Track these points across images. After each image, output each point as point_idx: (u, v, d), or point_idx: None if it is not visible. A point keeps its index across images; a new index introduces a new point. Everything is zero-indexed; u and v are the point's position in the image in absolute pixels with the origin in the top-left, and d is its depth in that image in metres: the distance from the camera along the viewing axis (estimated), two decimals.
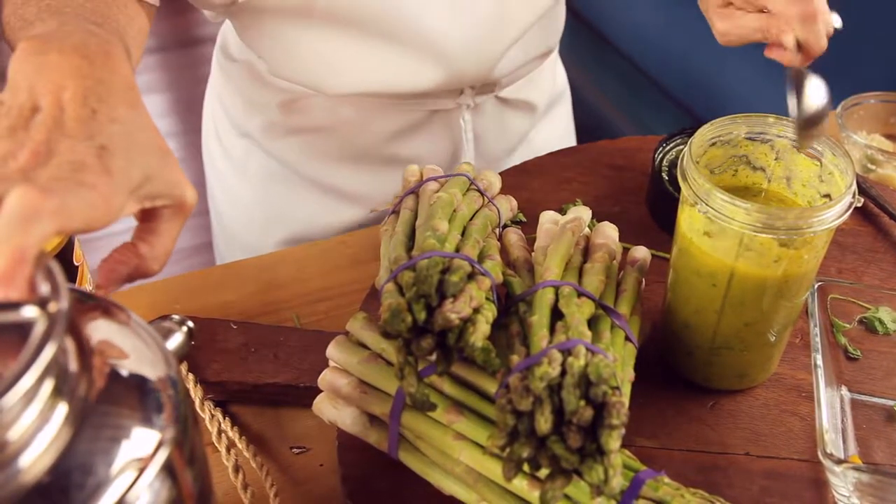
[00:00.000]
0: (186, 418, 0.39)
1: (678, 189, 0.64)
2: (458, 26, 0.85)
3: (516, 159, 1.04)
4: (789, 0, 0.66)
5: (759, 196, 0.68)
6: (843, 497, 0.60)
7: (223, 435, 0.66)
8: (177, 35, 3.08)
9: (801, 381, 0.70)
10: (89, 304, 0.42)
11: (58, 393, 0.35)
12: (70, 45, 0.48)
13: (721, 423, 0.67)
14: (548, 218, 0.71)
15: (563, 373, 0.51)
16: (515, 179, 0.89)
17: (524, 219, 0.84)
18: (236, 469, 0.63)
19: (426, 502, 0.60)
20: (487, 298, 0.57)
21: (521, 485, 0.54)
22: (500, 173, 0.87)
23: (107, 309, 0.43)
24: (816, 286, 0.70)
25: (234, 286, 0.82)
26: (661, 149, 0.88)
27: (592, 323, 0.58)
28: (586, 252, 0.65)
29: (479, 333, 0.53)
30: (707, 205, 0.60)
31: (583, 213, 0.70)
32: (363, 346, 0.63)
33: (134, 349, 0.41)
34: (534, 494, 0.54)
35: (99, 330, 0.40)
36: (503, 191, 0.77)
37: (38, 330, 0.34)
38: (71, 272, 0.69)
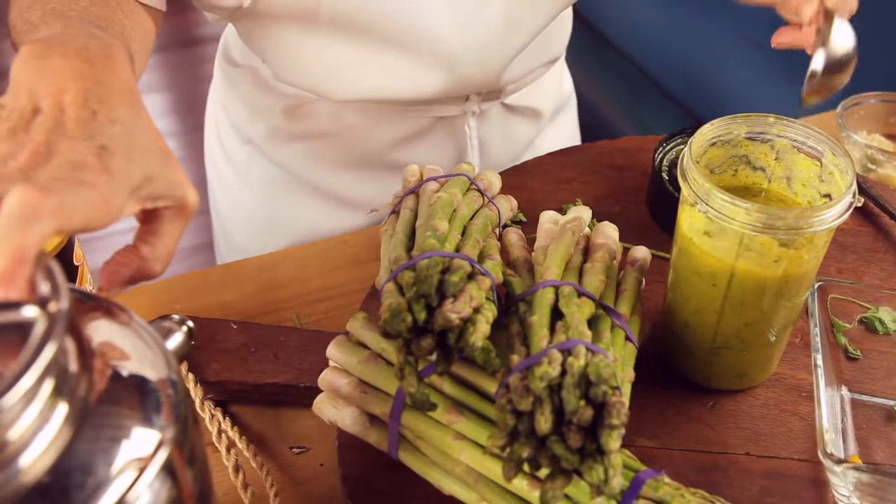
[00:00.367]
0: (186, 418, 0.39)
1: (678, 189, 0.64)
2: (466, 32, 0.84)
3: None
4: None
5: (759, 196, 0.68)
6: (843, 497, 0.60)
7: (223, 435, 0.66)
8: (177, 35, 3.08)
9: (801, 381, 0.70)
10: (89, 304, 0.42)
11: (58, 393, 0.35)
12: (72, 48, 0.48)
13: (721, 423, 0.67)
14: (548, 218, 0.71)
15: (564, 373, 0.51)
16: (515, 179, 0.89)
17: (524, 219, 0.84)
18: (236, 469, 0.63)
19: (426, 502, 0.60)
20: (487, 298, 0.57)
21: (521, 485, 0.54)
22: (500, 173, 0.87)
23: (107, 309, 0.43)
24: (816, 286, 0.70)
25: (234, 286, 0.82)
26: (661, 149, 0.88)
27: (592, 323, 0.58)
28: (586, 252, 0.65)
29: (479, 333, 0.53)
30: (707, 205, 0.60)
31: (583, 212, 0.70)
32: (363, 345, 0.63)
33: (134, 349, 0.41)
34: (534, 494, 0.54)
35: (99, 330, 0.40)
36: (503, 191, 0.77)
37: (38, 330, 0.34)
38: (71, 272, 0.69)
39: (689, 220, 0.63)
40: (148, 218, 0.48)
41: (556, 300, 0.58)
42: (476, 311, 0.55)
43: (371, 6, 0.80)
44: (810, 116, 1.08)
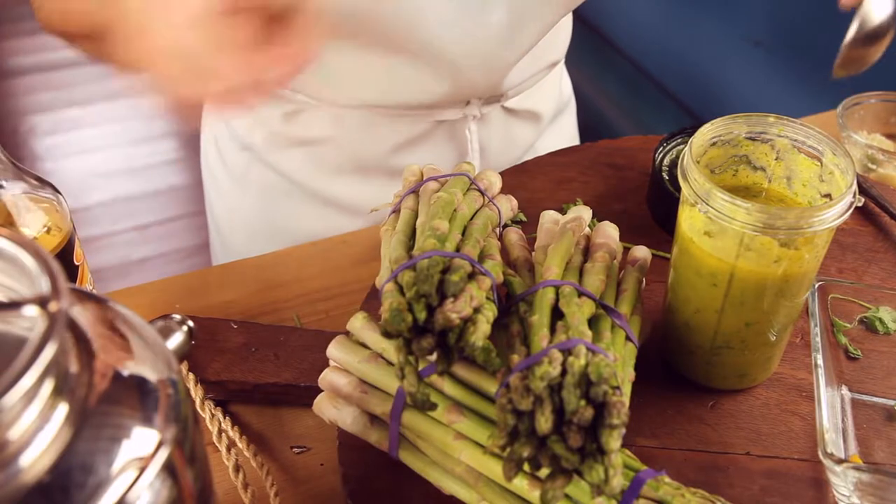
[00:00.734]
0: (187, 418, 0.39)
1: (679, 189, 0.64)
2: (469, 39, 0.84)
3: None
4: None
5: (759, 196, 0.68)
6: (843, 497, 0.60)
7: (223, 434, 0.66)
8: None
9: (801, 381, 0.70)
10: (89, 304, 0.42)
11: (58, 393, 0.35)
12: None
13: (721, 423, 0.67)
14: (548, 217, 0.71)
15: (564, 372, 0.51)
16: (516, 179, 0.89)
17: (525, 218, 0.84)
18: (237, 468, 0.63)
19: (427, 502, 0.60)
20: (488, 298, 0.57)
21: (521, 484, 0.54)
22: (501, 173, 0.87)
23: (107, 308, 0.43)
24: (817, 286, 0.70)
25: (234, 286, 0.82)
26: (661, 148, 0.88)
27: (593, 322, 0.58)
28: (587, 252, 0.65)
29: (480, 333, 0.53)
30: (707, 204, 0.60)
31: (583, 212, 0.70)
32: (364, 345, 0.63)
33: (134, 349, 0.40)
34: (534, 494, 0.54)
35: (99, 330, 0.40)
36: (503, 190, 0.77)
37: (39, 329, 0.34)
38: (71, 272, 0.69)
39: (689, 220, 0.63)
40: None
41: (557, 300, 0.58)
42: (476, 310, 0.55)
43: (374, 13, 0.80)
44: (810, 116, 1.08)
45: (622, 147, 0.94)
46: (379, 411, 0.60)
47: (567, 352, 0.52)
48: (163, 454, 0.37)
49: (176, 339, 0.64)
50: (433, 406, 0.56)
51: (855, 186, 0.60)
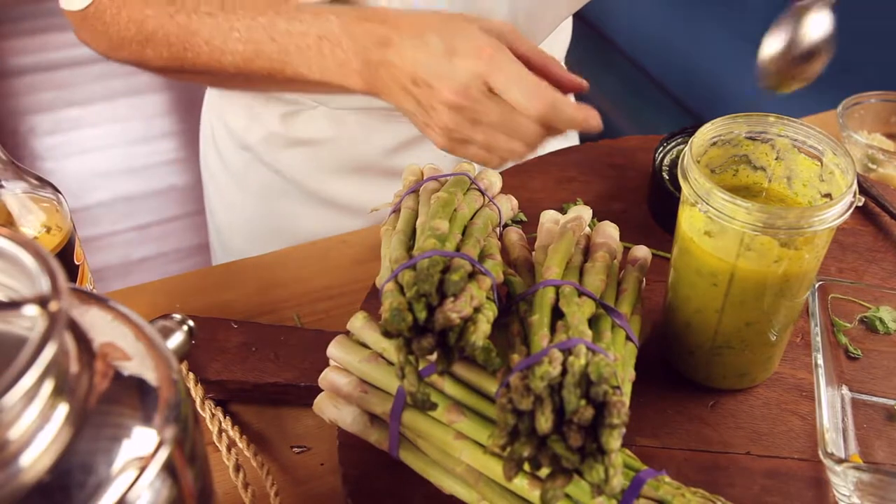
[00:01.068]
0: (187, 418, 0.39)
1: (679, 188, 0.63)
2: None
3: None
4: None
5: (759, 196, 0.68)
6: (843, 496, 0.60)
7: (224, 434, 0.66)
8: None
9: (801, 381, 0.70)
10: (90, 304, 0.42)
11: (58, 392, 0.35)
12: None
13: (722, 423, 0.67)
14: (548, 217, 0.71)
15: (564, 372, 0.51)
16: (516, 179, 0.89)
17: (525, 218, 0.84)
18: (237, 468, 0.63)
19: (427, 502, 0.60)
20: (488, 298, 0.57)
21: (521, 484, 0.54)
22: (501, 172, 0.87)
23: (107, 308, 0.42)
24: (817, 285, 0.70)
25: (234, 285, 0.82)
26: (661, 148, 0.88)
27: (593, 322, 0.58)
28: (587, 251, 0.65)
29: (480, 333, 0.53)
30: (708, 204, 0.60)
31: (583, 212, 0.70)
32: (364, 345, 0.63)
33: (134, 349, 0.40)
34: (534, 494, 0.54)
35: (99, 329, 0.40)
36: (504, 190, 0.77)
37: (39, 329, 0.34)
38: (72, 271, 0.69)
39: (689, 220, 0.63)
40: None
41: (557, 300, 0.58)
42: (476, 310, 0.55)
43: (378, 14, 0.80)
44: (811, 116, 1.08)
45: (622, 147, 0.94)
46: (379, 411, 0.60)
47: (567, 351, 0.52)
48: (163, 454, 0.37)
49: (176, 339, 0.64)
50: (433, 406, 0.56)
51: (855, 186, 0.60)
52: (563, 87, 0.66)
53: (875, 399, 0.68)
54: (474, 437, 0.57)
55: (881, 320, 0.72)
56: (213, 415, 0.68)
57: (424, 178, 0.72)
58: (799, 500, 0.61)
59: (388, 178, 0.96)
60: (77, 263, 0.70)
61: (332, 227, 0.97)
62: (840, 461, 0.58)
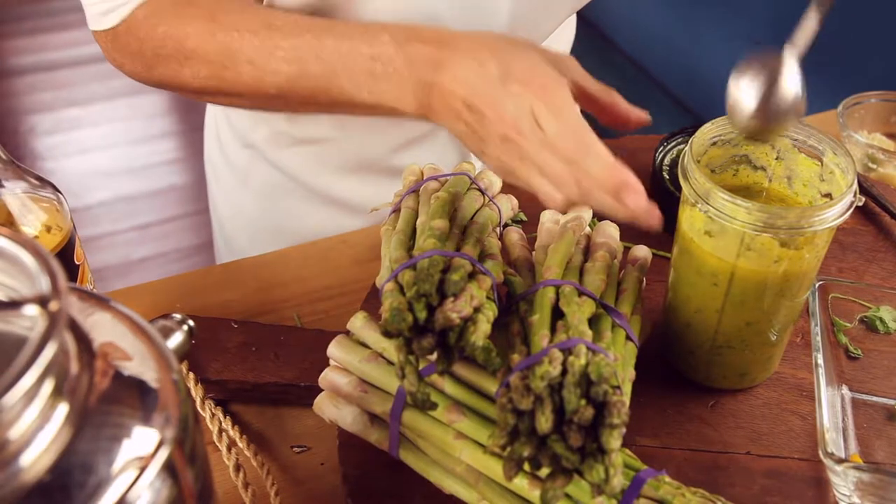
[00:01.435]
0: (187, 417, 0.39)
1: (679, 188, 0.63)
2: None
3: None
4: None
5: (759, 195, 0.68)
6: (844, 496, 0.60)
7: (224, 434, 0.66)
8: None
9: (801, 381, 0.70)
10: (90, 303, 0.42)
11: (58, 392, 0.35)
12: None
13: (722, 423, 0.67)
14: (549, 217, 0.71)
15: (564, 372, 0.51)
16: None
17: (525, 218, 0.84)
18: (237, 468, 0.63)
19: (427, 501, 0.60)
20: (488, 297, 0.57)
21: (521, 484, 0.54)
22: None
23: (107, 308, 0.43)
24: (817, 285, 0.70)
25: (234, 285, 0.82)
26: (661, 148, 0.88)
27: (593, 322, 0.58)
28: (587, 251, 0.65)
29: (480, 332, 0.53)
30: (708, 204, 0.60)
31: (584, 212, 0.70)
32: (364, 345, 0.63)
33: (135, 348, 0.40)
34: (534, 493, 0.54)
35: (100, 329, 0.40)
36: (504, 190, 0.77)
37: (39, 329, 0.34)
38: (72, 271, 0.69)
39: (689, 220, 0.63)
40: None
41: (557, 299, 0.58)
42: (477, 310, 0.55)
43: (378, 14, 0.80)
44: (811, 116, 1.08)
45: (622, 146, 0.94)
46: (379, 411, 0.60)
47: (567, 351, 0.52)
48: (163, 454, 0.37)
49: (176, 339, 0.64)
50: (433, 405, 0.56)
51: (855, 186, 0.60)
52: (624, 121, 0.64)
53: (875, 399, 0.68)
54: (474, 437, 0.57)
55: (881, 320, 0.72)
56: (214, 414, 0.68)
57: (424, 177, 0.72)
58: (799, 500, 0.61)
59: (392, 177, 0.96)
60: (77, 263, 0.70)
61: (334, 226, 0.97)
62: (840, 461, 0.58)
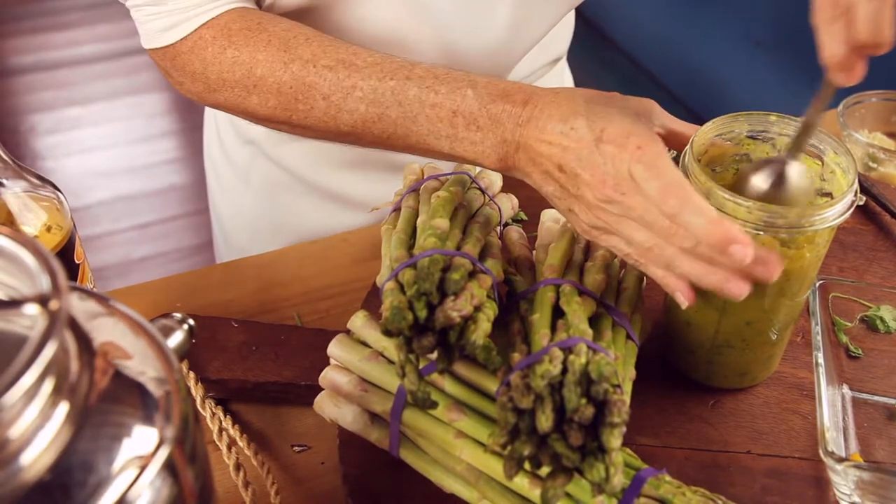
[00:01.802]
0: (187, 417, 0.39)
1: None
2: (474, 35, 0.83)
3: None
4: None
5: None
6: (844, 495, 0.60)
7: (224, 433, 0.66)
8: None
9: (802, 380, 0.70)
10: (90, 303, 0.42)
11: (59, 391, 0.35)
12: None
13: (722, 422, 0.67)
14: (549, 216, 0.71)
15: (565, 371, 0.51)
16: (516, 178, 0.89)
17: (525, 217, 0.84)
18: (237, 467, 0.63)
19: (427, 500, 0.60)
20: (488, 296, 0.57)
21: (522, 483, 0.54)
22: None
23: (107, 307, 0.43)
24: (818, 284, 0.70)
25: (235, 284, 0.82)
26: None
27: (594, 321, 0.58)
28: (587, 250, 0.65)
29: (480, 331, 0.53)
30: (709, 202, 0.59)
31: None
32: (364, 344, 0.63)
33: (135, 347, 0.40)
34: (535, 492, 0.54)
35: (100, 328, 0.40)
36: (504, 189, 0.77)
37: (39, 328, 0.34)
38: (72, 270, 0.69)
39: None
40: None
41: (557, 298, 0.58)
42: (477, 309, 0.55)
43: (380, 11, 0.80)
44: None
45: None
46: (379, 410, 0.60)
47: (568, 350, 0.52)
48: (163, 453, 0.37)
49: (176, 338, 0.64)
50: (434, 404, 0.56)
51: (856, 185, 0.60)
52: None
53: (876, 398, 0.68)
54: (475, 436, 0.57)
55: (882, 319, 0.72)
56: (214, 414, 0.68)
57: (425, 176, 0.72)
58: (799, 499, 0.61)
59: (392, 172, 0.96)
60: (77, 262, 0.70)
61: (335, 223, 0.97)
62: (841, 460, 0.58)
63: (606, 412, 0.49)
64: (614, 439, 0.49)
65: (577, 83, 1.16)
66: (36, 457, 0.33)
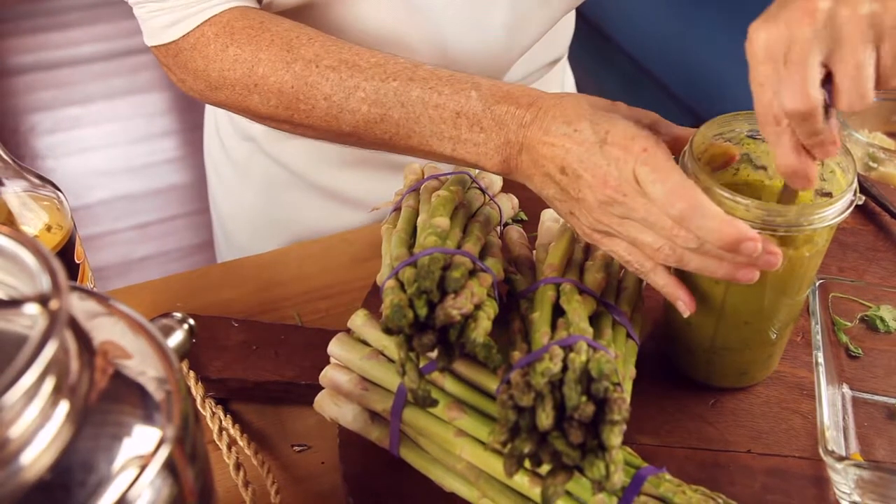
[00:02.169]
0: (188, 416, 0.39)
1: None
2: (472, 35, 0.83)
3: None
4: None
5: (760, 194, 0.68)
6: (844, 494, 0.60)
7: (224, 433, 0.66)
8: None
9: (802, 379, 0.70)
10: (90, 302, 0.42)
11: (59, 391, 0.35)
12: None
13: (722, 421, 0.67)
14: (549, 216, 0.71)
15: (565, 369, 0.51)
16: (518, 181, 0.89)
17: (525, 217, 0.84)
18: (237, 467, 0.63)
19: (427, 499, 0.60)
20: (489, 295, 0.57)
21: (522, 481, 0.54)
22: None
23: (108, 306, 0.43)
24: (818, 284, 0.70)
25: (235, 284, 0.82)
26: None
27: (594, 320, 0.58)
28: (587, 250, 0.65)
29: (481, 329, 0.53)
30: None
31: None
32: (364, 343, 0.63)
33: (135, 347, 0.41)
34: (535, 491, 0.54)
35: (100, 328, 0.40)
36: (504, 189, 0.77)
37: (39, 328, 0.34)
38: (72, 270, 0.69)
39: None
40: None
41: (558, 297, 0.58)
42: (477, 307, 0.55)
43: (377, 10, 0.80)
44: None
45: None
46: (380, 408, 0.60)
47: (568, 348, 0.52)
48: (164, 452, 0.37)
49: (177, 338, 0.64)
50: (434, 403, 0.56)
51: (856, 185, 0.60)
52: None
53: (876, 397, 0.68)
54: (475, 435, 0.57)
55: (881, 319, 0.72)
56: (214, 413, 0.68)
57: (425, 176, 0.72)
58: (799, 499, 0.61)
59: (392, 170, 0.96)
60: (78, 262, 0.70)
61: (334, 221, 0.97)
62: (841, 459, 0.58)
63: (607, 410, 0.49)
64: (614, 437, 0.49)
65: (578, 83, 1.16)
66: (36, 456, 0.33)
